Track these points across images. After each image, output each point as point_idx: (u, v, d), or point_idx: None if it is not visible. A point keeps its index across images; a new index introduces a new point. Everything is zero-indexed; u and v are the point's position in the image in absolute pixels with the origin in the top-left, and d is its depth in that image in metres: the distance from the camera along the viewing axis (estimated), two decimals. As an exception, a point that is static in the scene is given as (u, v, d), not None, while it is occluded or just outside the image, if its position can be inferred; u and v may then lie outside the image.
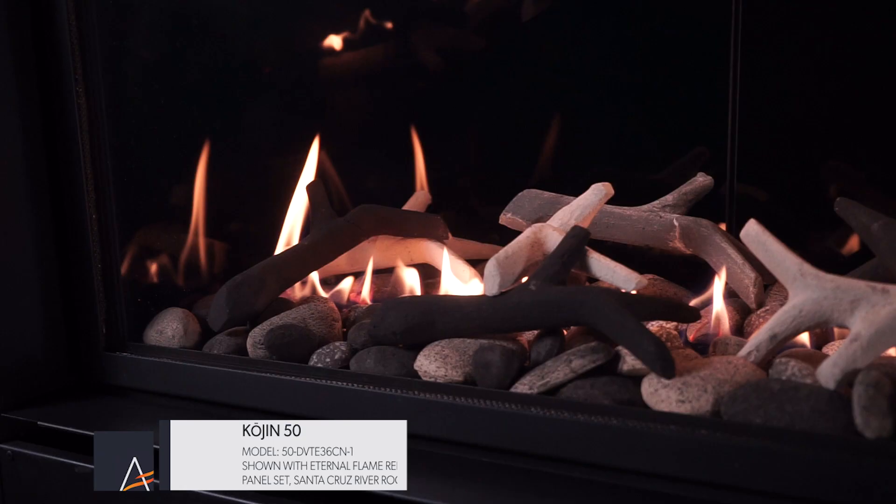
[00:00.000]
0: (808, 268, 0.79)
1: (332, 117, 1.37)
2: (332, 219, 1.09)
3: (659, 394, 0.78)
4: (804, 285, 0.79)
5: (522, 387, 0.83)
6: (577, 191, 1.00)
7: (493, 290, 0.88)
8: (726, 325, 0.92)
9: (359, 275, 1.16)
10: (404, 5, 1.33)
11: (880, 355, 0.74)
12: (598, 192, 0.95)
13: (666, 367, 0.77)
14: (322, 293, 1.11)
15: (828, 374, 0.73)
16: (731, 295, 0.99)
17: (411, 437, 0.87)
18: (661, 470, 0.77)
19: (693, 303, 0.98)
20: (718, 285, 0.93)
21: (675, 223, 1.01)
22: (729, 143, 1.08)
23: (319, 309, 1.00)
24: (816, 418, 0.72)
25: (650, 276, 1.08)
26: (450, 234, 1.13)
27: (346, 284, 1.14)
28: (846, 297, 0.77)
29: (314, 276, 1.12)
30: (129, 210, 1.09)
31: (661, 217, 1.02)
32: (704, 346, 0.91)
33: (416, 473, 0.84)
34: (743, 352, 0.82)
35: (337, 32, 1.36)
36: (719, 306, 0.93)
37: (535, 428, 0.81)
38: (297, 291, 1.13)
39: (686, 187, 1.04)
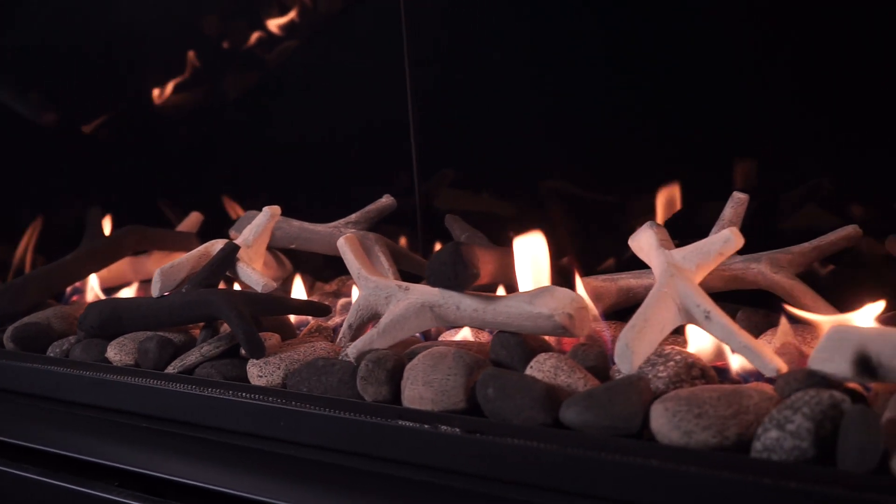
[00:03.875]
0: (362, 272, 0.97)
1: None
2: (99, 237, 1.30)
3: (251, 371, 0.97)
4: (361, 285, 0.97)
5: (171, 368, 1.02)
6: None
7: (156, 293, 1.07)
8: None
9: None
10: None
11: (397, 339, 0.92)
12: (266, 213, 1.13)
13: (252, 349, 0.96)
14: (101, 296, 1.32)
15: (349, 353, 0.91)
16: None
17: (98, 408, 1.07)
18: (246, 429, 0.94)
19: (342, 302, 1.16)
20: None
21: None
22: (415, 167, 1.26)
23: (63, 310, 1.20)
24: (341, 387, 0.90)
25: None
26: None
27: (128, 291, 1.34)
28: (382, 293, 0.95)
29: (94, 283, 1.32)
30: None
31: (341, 232, 1.20)
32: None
33: (94, 436, 1.04)
34: (337, 338, 1.00)
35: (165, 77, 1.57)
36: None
37: (172, 400, 1.00)
38: (87, 297, 1.33)
39: (370, 206, 1.22)
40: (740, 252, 0.89)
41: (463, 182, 1.28)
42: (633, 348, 0.79)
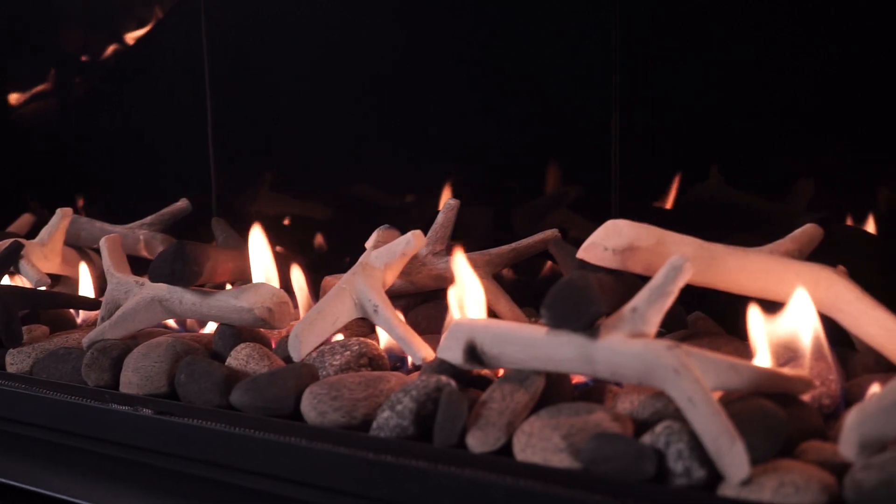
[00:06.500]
0: (110, 269, 1.03)
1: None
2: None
3: (7, 359, 1.03)
4: (108, 281, 1.03)
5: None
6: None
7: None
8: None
9: None
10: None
11: (130, 331, 0.98)
12: (59, 215, 1.20)
13: (8, 339, 1.03)
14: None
15: (83, 342, 0.98)
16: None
17: None
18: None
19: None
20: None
21: (141, 237, 1.26)
22: (212, 169, 1.33)
23: None
24: (74, 374, 0.97)
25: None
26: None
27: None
28: (123, 288, 1.01)
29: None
30: None
31: (134, 232, 1.27)
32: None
33: None
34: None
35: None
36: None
37: None
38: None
39: (165, 210, 1.29)
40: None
41: (263, 184, 1.34)
42: (301, 338, 0.86)
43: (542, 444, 0.68)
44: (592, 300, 0.70)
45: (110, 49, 1.44)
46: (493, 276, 1.00)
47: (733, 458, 0.60)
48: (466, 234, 1.05)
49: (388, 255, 0.92)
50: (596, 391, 0.78)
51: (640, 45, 1.00)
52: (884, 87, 0.92)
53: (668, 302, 0.69)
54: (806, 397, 0.75)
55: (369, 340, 0.90)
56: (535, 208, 1.10)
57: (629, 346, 0.68)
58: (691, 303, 0.91)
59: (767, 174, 1.00)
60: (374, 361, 0.88)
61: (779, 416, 0.64)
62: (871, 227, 0.99)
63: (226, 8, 1.31)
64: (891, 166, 0.94)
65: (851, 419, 0.61)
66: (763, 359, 0.74)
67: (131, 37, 1.42)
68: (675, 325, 0.94)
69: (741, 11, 0.96)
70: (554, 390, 0.76)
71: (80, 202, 1.55)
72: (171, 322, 1.09)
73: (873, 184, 0.96)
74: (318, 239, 1.32)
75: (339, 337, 0.95)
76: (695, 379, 0.63)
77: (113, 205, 1.44)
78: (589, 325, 0.70)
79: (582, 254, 0.83)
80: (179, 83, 1.36)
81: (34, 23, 1.53)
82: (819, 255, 0.87)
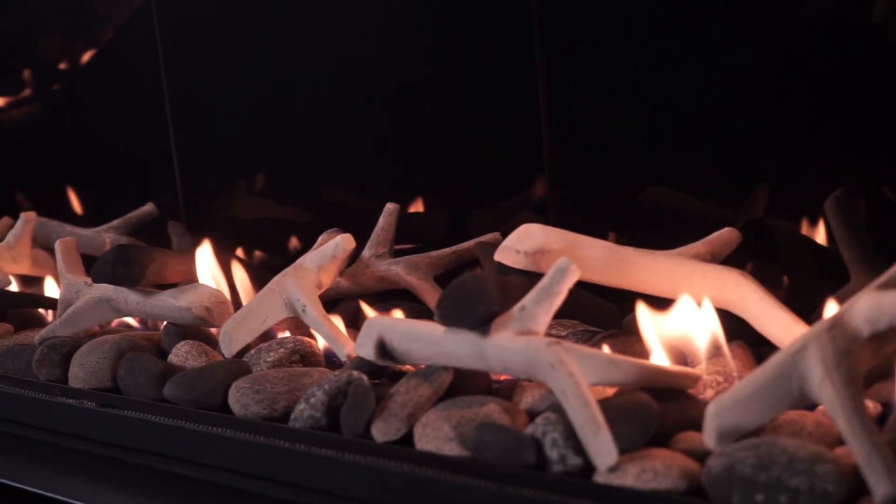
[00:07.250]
0: (63, 270, 1.08)
1: None
2: None
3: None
4: (61, 282, 1.09)
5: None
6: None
7: None
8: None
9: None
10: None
11: (79, 329, 1.04)
12: (23, 219, 1.26)
13: (-32, 337, 1.08)
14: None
15: (36, 339, 1.03)
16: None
17: None
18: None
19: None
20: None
21: (107, 240, 1.31)
22: (177, 174, 1.38)
23: None
24: (27, 369, 1.02)
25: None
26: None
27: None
28: (74, 288, 1.06)
29: None
30: None
31: (101, 236, 1.32)
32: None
33: None
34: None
35: None
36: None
37: None
38: None
39: (132, 213, 1.34)
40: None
41: (230, 187, 1.39)
42: (231, 336, 0.91)
43: (434, 433, 0.72)
44: (483, 300, 0.74)
45: (72, 53, 1.50)
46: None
47: (599, 446, 0.65)
48: (427, 237, 1.11)
49: (319, 257, 0.97)
50: (508, 386, 0.83)
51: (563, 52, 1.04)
52: (827, 86, 0.93)
53: (557, 301, 0.73)
54: (709, 393, 0.79)
55: (305, 338, 0.95)
56: (492, 213, 1.14)
57: (515, 342, 0.72)
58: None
59: (702, 177, 1.03)
60: (306, 358, 0.92)
61: (650, 409, 0.68)
62: (805, 229, 1.02)
63: (179, 8, 1.35)
64: (830, 168, 0.96)
65: (710, 410, 0.65)
66: (659, 358, 0.79)
67: (91, 40, 1.47)
68: (609, 325, 0.98)
69: (667, 18, 0.99)
70: (462, 385, 0.80)
71: (70, 204, 1.61)
72: (132, 321, 1.14)
73: (812, 186, 0.98)
74: (284, 241, 1.37)
75: (287, 334, 1.00)
76: (569, 373, 0.68)
77: (83, 208, 1.49)
78: (479, 324, 0.74)
79: (497, 256, 0.87)
80: (141, 86, 1.41)
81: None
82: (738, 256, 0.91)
